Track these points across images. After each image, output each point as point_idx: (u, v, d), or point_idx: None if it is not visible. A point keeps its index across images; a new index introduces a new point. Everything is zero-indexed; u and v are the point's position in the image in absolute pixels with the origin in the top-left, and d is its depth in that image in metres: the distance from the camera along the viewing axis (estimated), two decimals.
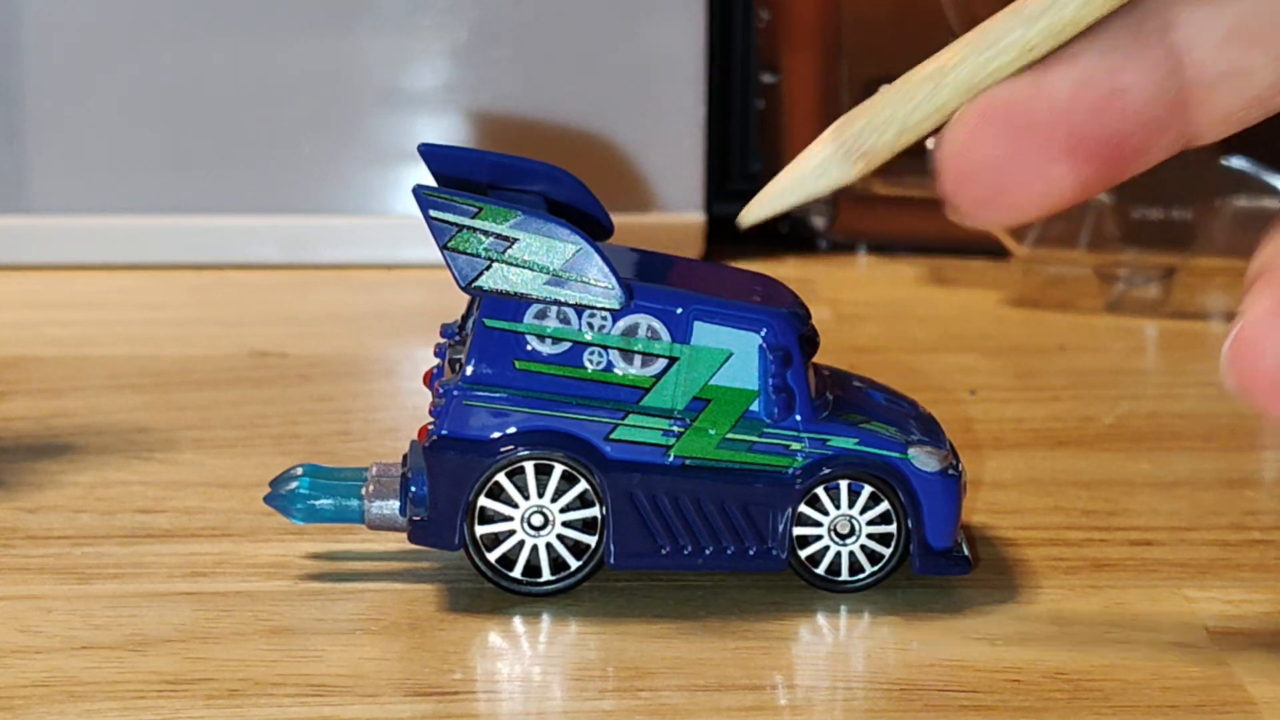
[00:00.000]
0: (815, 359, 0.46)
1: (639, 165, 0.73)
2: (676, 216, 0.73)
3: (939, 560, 0.45)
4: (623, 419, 0.44)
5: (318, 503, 0.46)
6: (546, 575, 0.45)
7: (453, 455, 0.44)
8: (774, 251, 0.74)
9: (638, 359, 0.44)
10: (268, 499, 0.46)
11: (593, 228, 0.46)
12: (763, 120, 0.76)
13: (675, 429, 0.44)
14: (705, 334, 0.44)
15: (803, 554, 0.45)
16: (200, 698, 0.41)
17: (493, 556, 0.45)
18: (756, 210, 0.39)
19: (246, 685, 0.41)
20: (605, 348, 0.44)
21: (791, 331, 0.45)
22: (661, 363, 0.44)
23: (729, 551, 0.45)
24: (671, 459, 0.45)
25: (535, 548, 0.45)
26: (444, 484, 0.45)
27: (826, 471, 0.45)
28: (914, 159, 0.74)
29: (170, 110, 0.73)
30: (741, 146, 0.77)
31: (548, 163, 0.46)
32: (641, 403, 0.44)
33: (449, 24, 0.73)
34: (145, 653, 0.43)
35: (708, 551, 0.45)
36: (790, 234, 0.75)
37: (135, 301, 0.70)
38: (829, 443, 0.45)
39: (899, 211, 0.75)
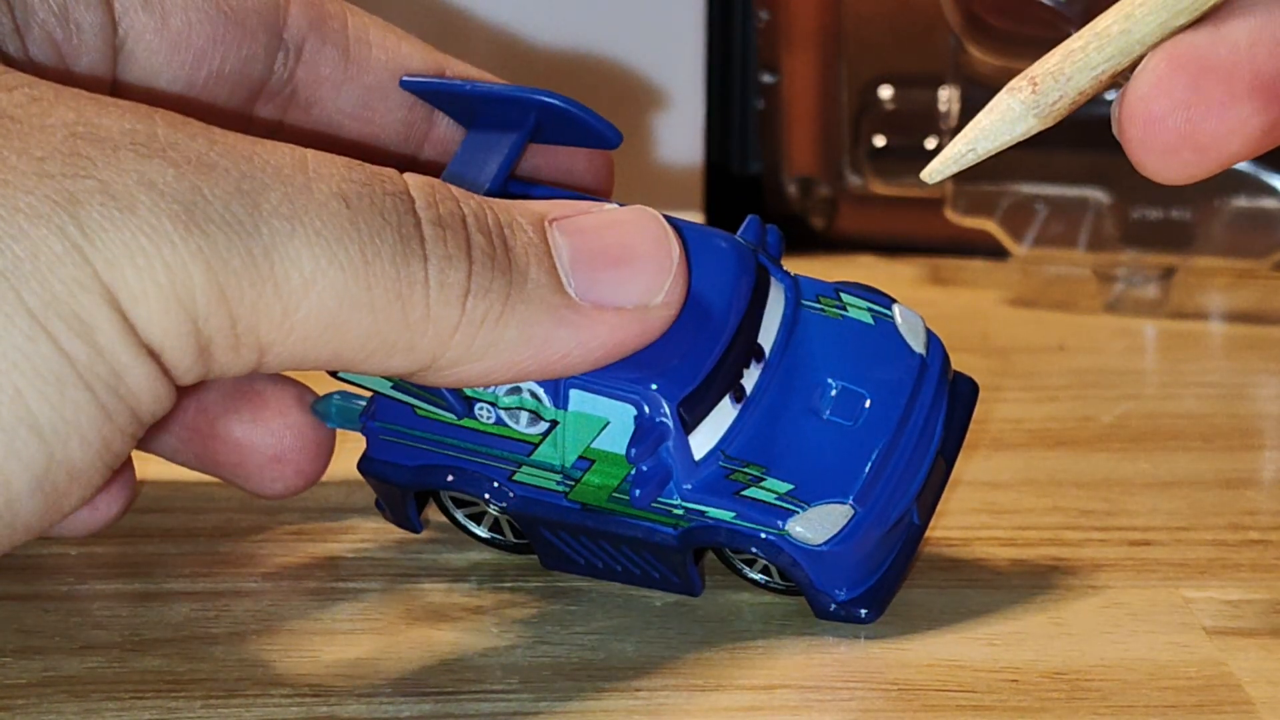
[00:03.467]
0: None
1: (638, 165, 0.73)
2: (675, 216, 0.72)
3: (840, 608, 0.44)
4: (518, 468, 0.44)
5: (348, 412, 0.46)
6: (511, 539, 0.47)
7: (381, 472, 0.46)
8: None
9: (524, 416, 0.44)
10: (314, 404, 0.47)
11: (598, 142, 0.46)
12: (763, 120, 0.76)
13: (567, 482, 0.44)
14: (581, 401, 0.43)
15: (737, 558, 0.45)
16: (198, 697, 0.41)
17: (463, 514, 0.47)
18: (941, 169, 0.39)
19: (245, 685, 0.41)
20: (493, 405, 0.44)
21: (672, 399, 0.42)
22: (545, 424, 0.43)
23: (639, 575, 0.45)
24: (570, 502, 0.44)
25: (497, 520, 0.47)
26: (383, 495, 0.47)
27: (704, 543, 0.43)
28: (915, 160, 0.74)
29: None
30: (741, 147, 0.77)
31: (539, 89, 0.46)
32: (532, 456, 0.44)
33: (447, 23, 0.73)
34: (144, 652, 0.43)
35: (619, 570, 0.45)
36: (789, 234, 0.75)
37: None
38: (707, 514, 0.43)
39: (899, 211, 0.75)
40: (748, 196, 0.76)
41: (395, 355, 0.39)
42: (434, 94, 0.47)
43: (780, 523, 0.42)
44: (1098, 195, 0.68)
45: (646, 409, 0.42)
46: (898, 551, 0.44)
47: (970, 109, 0.69)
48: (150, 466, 0.52)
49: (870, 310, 0.46)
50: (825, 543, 0.42)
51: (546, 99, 0.45)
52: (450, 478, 0.45)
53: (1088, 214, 0.69)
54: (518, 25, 0.73)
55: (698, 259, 0.43)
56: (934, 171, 0.40)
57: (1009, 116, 0.39)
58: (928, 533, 0.46)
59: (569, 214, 0.41)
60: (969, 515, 0.50)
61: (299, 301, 0.37)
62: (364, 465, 0.46)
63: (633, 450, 0.42)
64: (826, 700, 0.41)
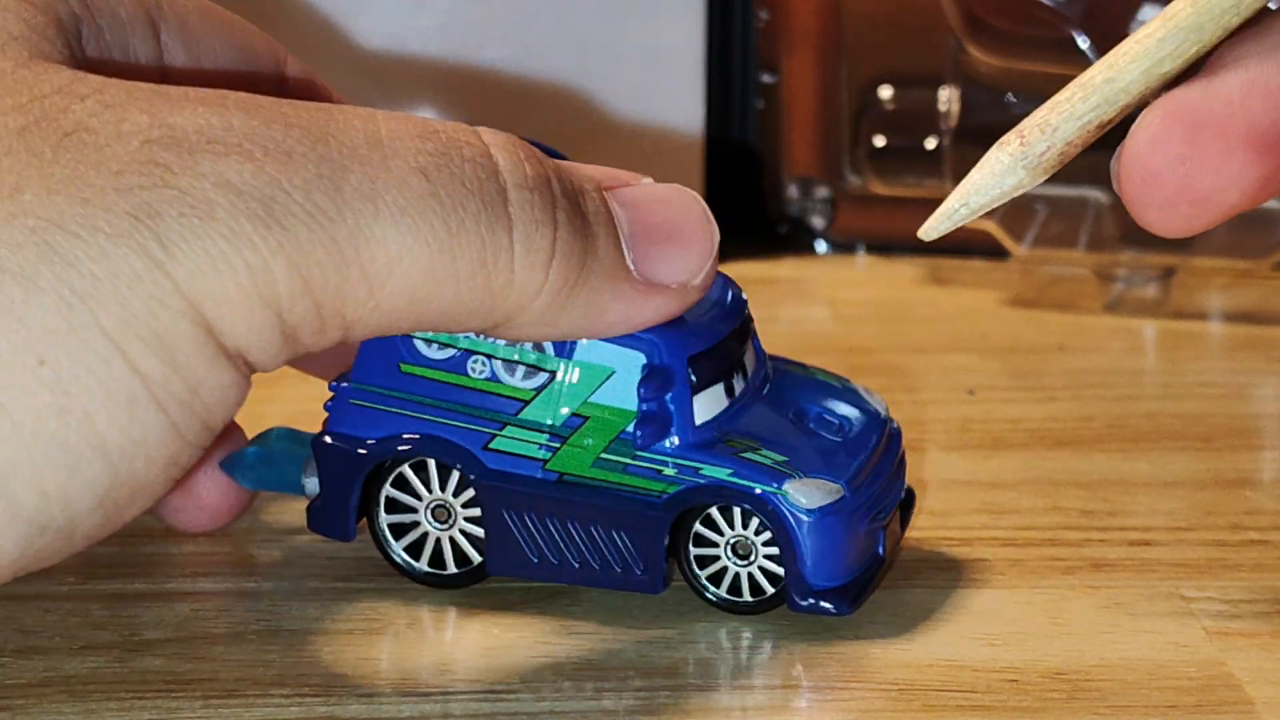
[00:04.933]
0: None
1: (638, 165, 0.73)
2: None
3: (814, 598, 0.43)
4: (500, 430, 0.44)
5: (263, 471, 0.46)
6: (452, 569, 0.45)
7: (336, 451, 0.45)
8: (772, 251, 0.74)
9: (520, 370, 0.44)
10: (222, 463, 0.46)
11: None
12: (763, 120, 0.76)
13: (552, 444, 0.44)
14: (589, 350, 0.43)
15: (703, 574, 0.44)
16: (198, 697, 0.41)
17: (400, 546, 0.46)
18: (936, 225, 0.40)
19: (245, 685, 0.41)
20: (490, 357, 0.44)
21: (681, 352, 0.43)
22: (543, 376, 0.44)
23: (599, 569, 0.44)
24: (546, 473, 0.44)
25: (439, 540, 0.45)
26: (330, 479, 0.45)
27: (694, 502, 0.43)
28: (914, 160, 0.74)
29: None
30: (741, 146, 0.77)
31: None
32: (520, 415, 0.44)
33: (448, 25, 0.73)
34: (144, 652, 0.43)
35: (577, 566, 0.44)
36: (789, 234, 0.75)
37: None
38: (701, 471, 0.43)
39: (898, 211, 0.75)
40: (748, 197, 0.76)
41: (474, 319, 0.39)
42: None
43: (777, 483, 0.43)
44: (1098, 195, 0.68)
45: (658, 355, 0.43)
46: (866, 568, 0.44)
47: (970, 109, 0.69)
48: None
49: (835, 377, 0.48)
50: (819, 509, 0.43)
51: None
52: (420, 444, 0.44)
53: (1088, 214, 0.69)
54: (517, 25, 0.73)
55: None
56: (930, 229, 0.40)
57: (998, 170, 0.39)
58: (928, 537, 0.46)
59: (618, 184, 0.41)
60: (969, 515, 0.50)
61: (384, 280, 0.38)
62: (319, 441, 0.45)
63: (643, 389, 0.43)
64: (826, 700, 0.41)
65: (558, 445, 0.44)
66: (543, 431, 0.44)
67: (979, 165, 0.39)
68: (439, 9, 0.73)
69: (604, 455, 0.44)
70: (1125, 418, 0.58)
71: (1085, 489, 0.52)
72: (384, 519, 0.46)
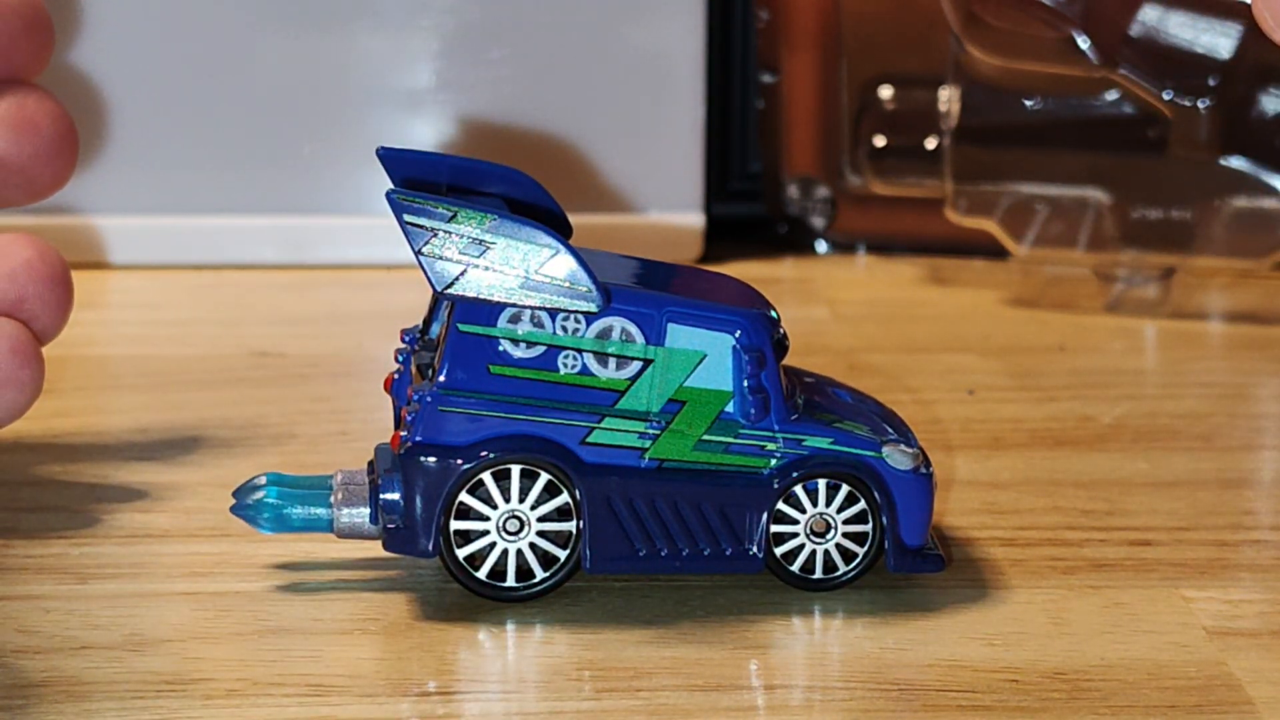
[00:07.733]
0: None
1: (637, 165, 0.73)
2: (675, 217, 0.73)
3: (913, 558, 0.45)
4: (598, 422, 0.44)
5: (285, 512, 0.45)
6: (511, 581, 0.45)
7: (427, 462, 0.44)
8: (773, 252, 0.74)
9: (612, 362, 0.44)
10: (234, 509, 0.45)
11: (555, 227, 0.46)
12: (762, 120, 0.76)
13: (651, 431, 0.44)
14: (679, 336, 0.44)
15: (778, 551, 0.45)
16: (199, 697, 0.41)
17: (463, 556, 0.44)
18: None
19: (245, 685, 0.41)
20: (580, 350, 0.44)
21: (764, 332, 0.45)
22: (636, 365, 0.44)
23: (706, 553, 0.45)
24: (647, 461, 0.44)
25: (506, 552, 0.45)
26: (418, 491, 0.44)
27: (802, 471, 0.45)
28: (914, 160, 0.74)
29: (169, 110, 0.73)
30: (741, 147, 0.77)
31: (505, 165, 0.46)
32: (617, 405, 0.44)
33: (448, 23, 0.73)
34: (144, 653, 0.43)
35: (684, 553, 0.45)
36: (789, 234, 0.75)
37: (135, 301, 0.70)
38: (804, 442, 0.45)
39: (898, 211, 0.75)
40: (748, 196, 0.76)
41: None
42: (410, 164, 0.46)
43: (874, 449, 0.45)
44: (1098, 195, 0.68)
45: (747, 336, 0.44)
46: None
47: (970, 109, 0.69)
48: (147, 466, 0.52)
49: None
50: (912, 469, 0.45)
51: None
52: (516, 445, 0.44)
53: (1088, 214, 0.69)
54: (518, 26, 0.73)
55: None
56: None
57: None
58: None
59: None
60: (969, 515, 0.50)
61: None
62: (409, 453, 0.44)
63: (748, 366, 0.44)
64: (826, 700, 0.41)
65: (657, 432, 0.44)
66: (641, 420, 0.44)
67: None
68: (439, 9, 0.73)
69: (705, 438, 0.44)
70: (1125, 418, 0.58)
71: (1085, 489, 0.52)
72: (452, 524, 0.45)
